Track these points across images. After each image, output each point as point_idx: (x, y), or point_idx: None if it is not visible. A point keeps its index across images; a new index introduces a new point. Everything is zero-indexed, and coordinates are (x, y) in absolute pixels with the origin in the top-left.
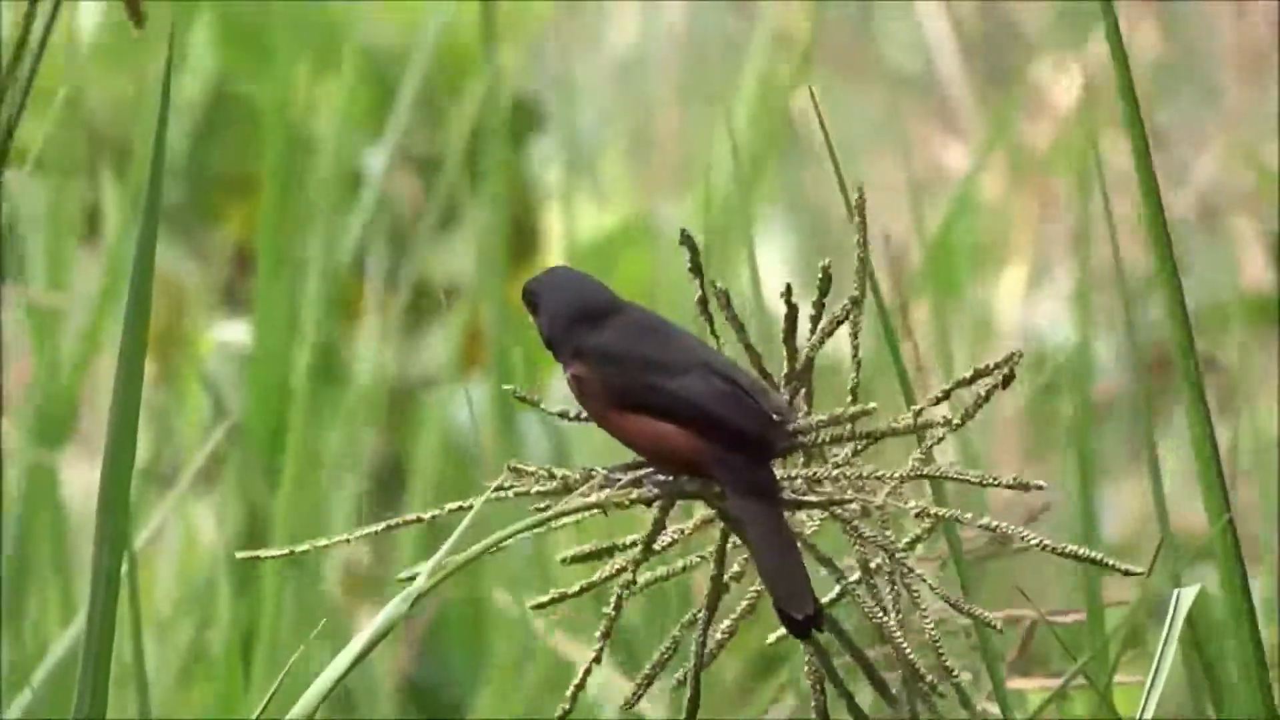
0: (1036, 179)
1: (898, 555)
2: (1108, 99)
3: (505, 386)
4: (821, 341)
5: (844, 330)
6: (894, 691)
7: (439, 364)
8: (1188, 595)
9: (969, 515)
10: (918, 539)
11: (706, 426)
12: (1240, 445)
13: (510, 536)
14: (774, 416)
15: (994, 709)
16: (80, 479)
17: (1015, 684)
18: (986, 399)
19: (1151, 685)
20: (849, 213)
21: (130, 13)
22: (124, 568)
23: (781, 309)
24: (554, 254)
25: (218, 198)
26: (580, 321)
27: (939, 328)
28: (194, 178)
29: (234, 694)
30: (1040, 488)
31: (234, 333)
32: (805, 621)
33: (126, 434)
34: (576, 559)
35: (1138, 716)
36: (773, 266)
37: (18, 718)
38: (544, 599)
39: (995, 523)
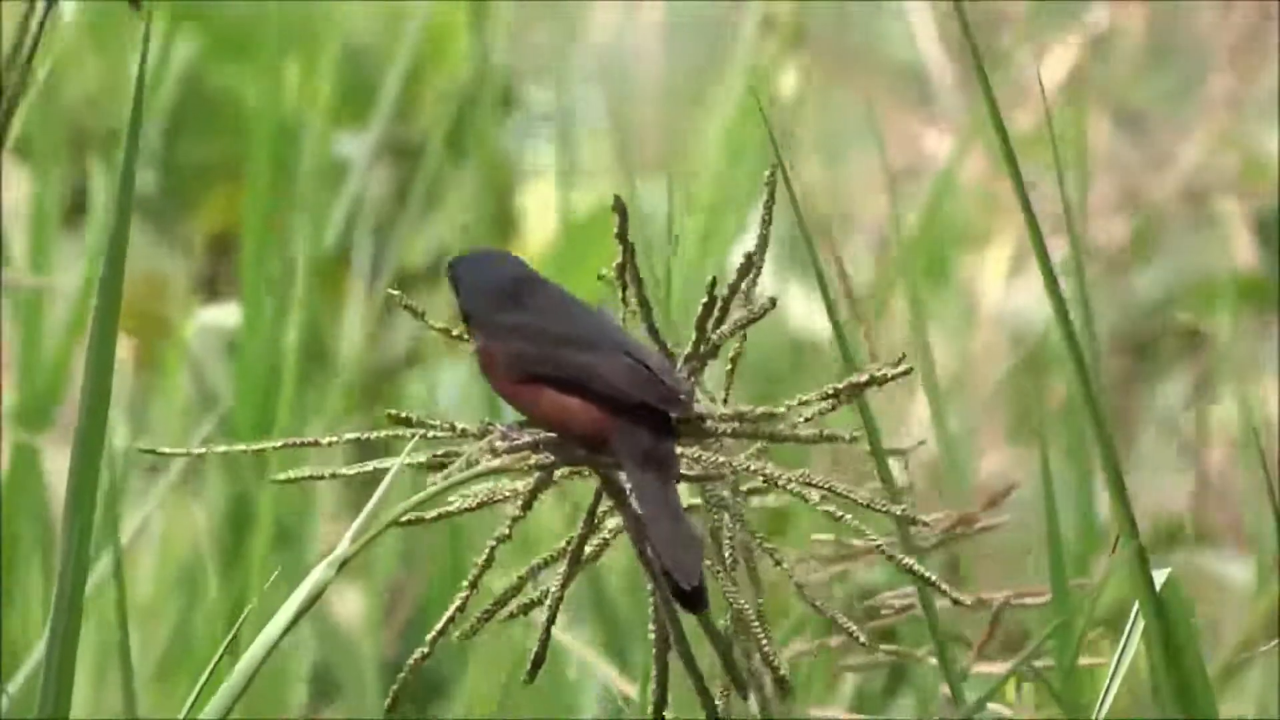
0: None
1: (746, 527)
2: (1091, 82)
3: (390, 292)
4: (733, 333)
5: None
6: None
7: (420, 345)
8: (1156, 579)
9: (794, 474)
10: (753, 490)
11: (612, 400)
12: (1229, 424)
13: (425, 498)
14: (679, 395)
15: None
16: (65, 464)
17: (982, 668)
18: (864, 387)
19: (1116, 668)
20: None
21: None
22: (110, 562)
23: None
24: (534, 235)
25: (195, 187)
26: (495, 298)
27: (916, 313)
28: (171, 167)
29: (219, 679)
30: (855, 439)
31: (217, 316)
32: (693, 593)
33: (97, 419)
34: (459, 511)
35: (1099, 699)
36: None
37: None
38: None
39: (788, 477)
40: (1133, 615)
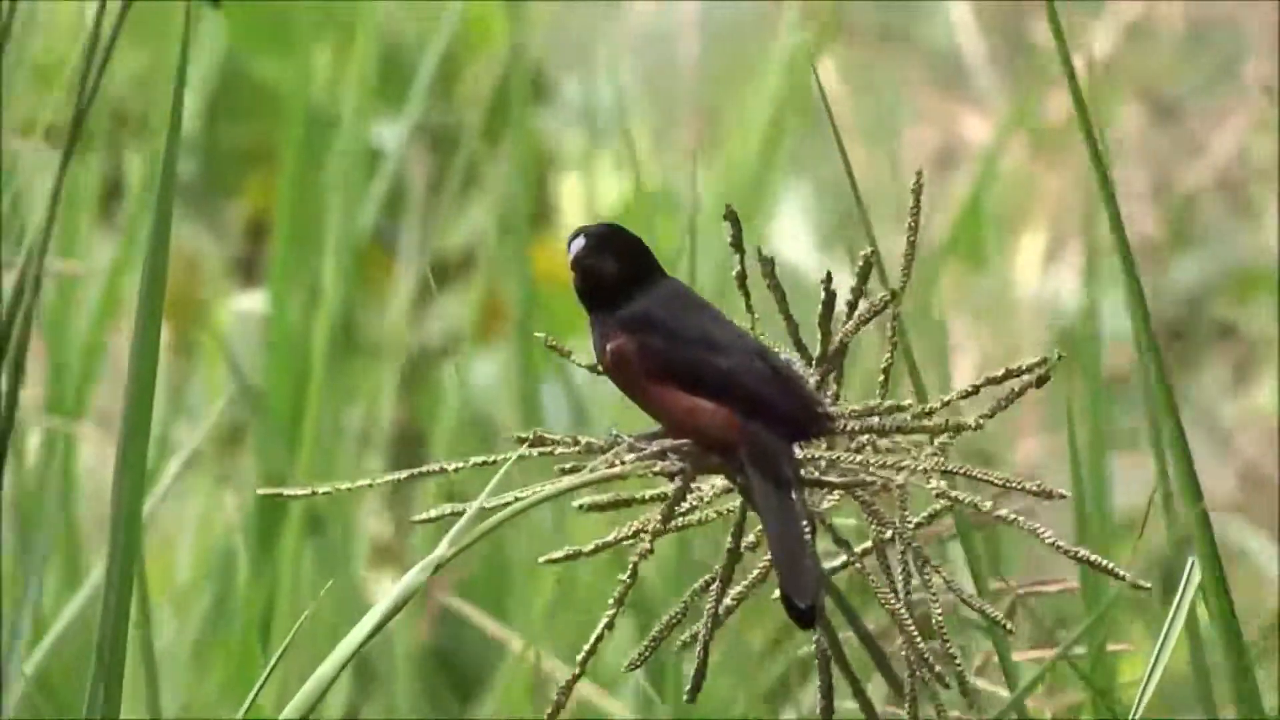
0: (1055, 149)
1: (909, 536)
2: (1126, 69)
3: (538, 334)
4: (858, 328)
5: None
6: (900, 677)
7: (457, 331)
8: (1195, 570)
9: (988, 504)
10: (932, 517)
11: (748, 406)
12: (1266, 412)
13: (534, 503)
14: (815, 405)
15: (984, 683)
16: (96, 450)
17: (1015, 656)
18: (1018, 396)
19: (1157, 658)
20: (854, 191)
21: None
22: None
23: (802, 283)
24: (572, 222)
25: (231, 172)
26: (627, 285)
27: (962, 302)
28: (208, 152)
29: (251, 665)
30: (1063, 496)
31: (252, 303)
32: (806, 611)
33: (143, 405)
34: (595, 507)
35: (1140, 688)
36: (796, 237)
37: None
38: (557, 555)
39: (1011, 514)
40: (1175, 604)
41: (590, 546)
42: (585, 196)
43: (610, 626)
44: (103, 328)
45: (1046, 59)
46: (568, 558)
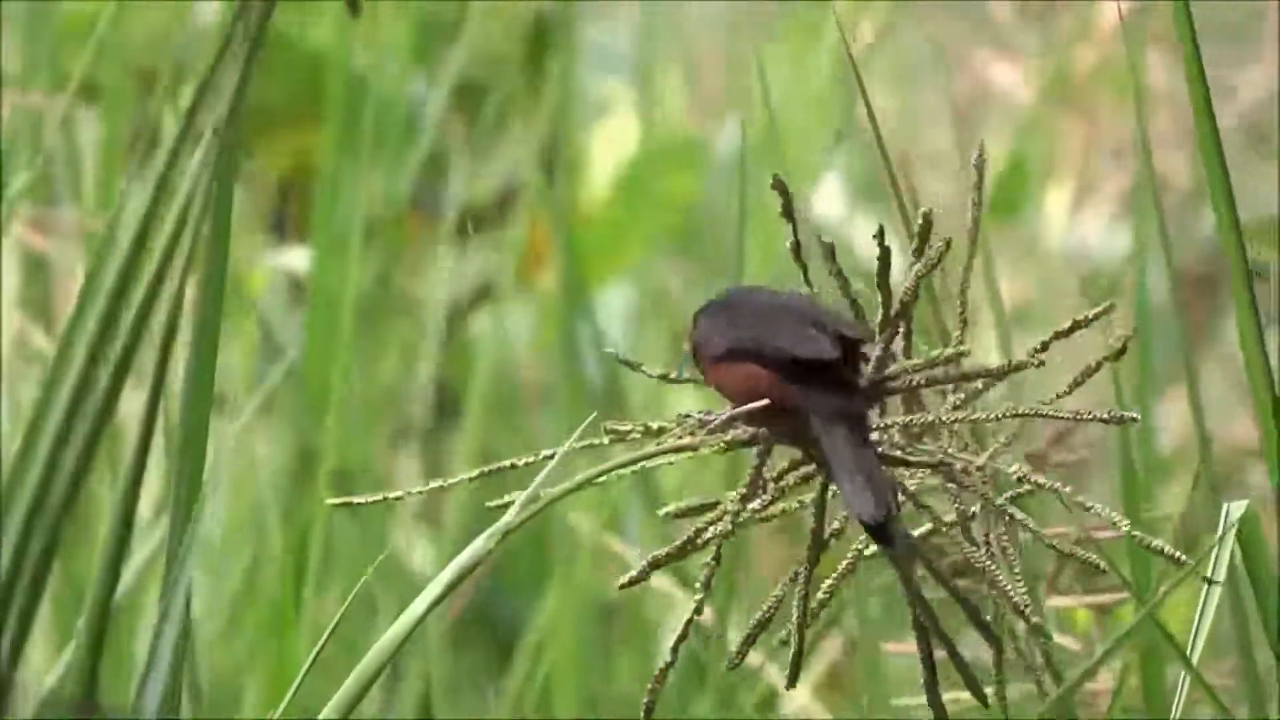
0: (1082, 97)
1: (999, 511)
2: (1155, 15)
3: (606, 351)
4: (917, 288)
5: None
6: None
7: (489, 283)
8: (1236, 509)
9: (1070, 489)
10: (1016, 496)
11: (782, 362)
12: None
13: (601, 474)
14: (839, 334)
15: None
16: (131, 407)
17: (1055, 601)
18: (1097, 370)
19: (1205, 602)
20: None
21: (349, 5)
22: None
23: (838, 237)
24: (600, 171)
25: (261, 129)
26: (716, 311)
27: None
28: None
29: (285, 625)
30: (1135, 419)
31: (292, 259)
32: (883, 527)
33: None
34: (679, 514)
35: (1192, 634)
36: (830, 193)
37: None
38: (632, 575)
39: (1093, 504)
40: (1216, 547)
41: (678, 545)
42: (614, 146)
43: (699, 611)
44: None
45: (1077, 8)
46: (638, 580)
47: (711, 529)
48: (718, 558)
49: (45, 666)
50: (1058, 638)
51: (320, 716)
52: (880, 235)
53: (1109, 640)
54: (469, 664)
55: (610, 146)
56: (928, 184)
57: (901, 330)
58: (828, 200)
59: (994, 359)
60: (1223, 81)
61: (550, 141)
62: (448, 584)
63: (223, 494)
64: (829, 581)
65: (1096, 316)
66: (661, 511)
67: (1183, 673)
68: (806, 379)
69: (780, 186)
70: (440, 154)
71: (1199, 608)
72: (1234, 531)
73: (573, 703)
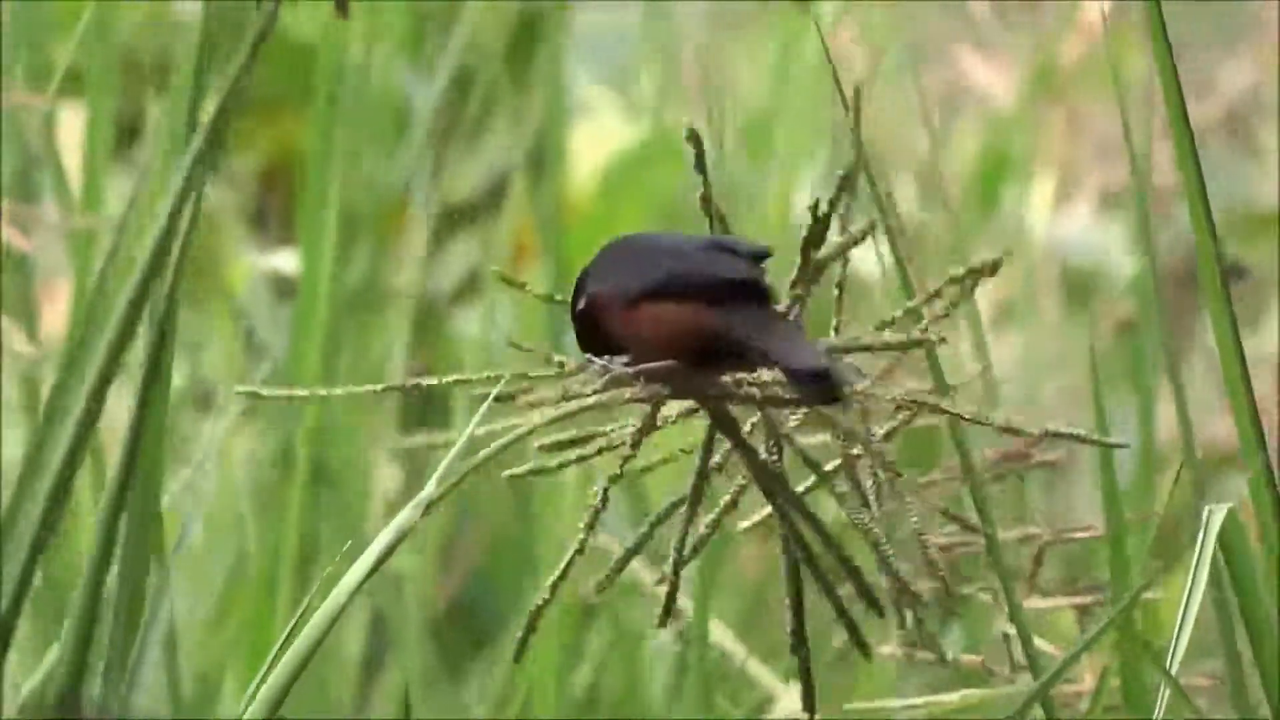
0: (1065, 93)
1: (875, 447)
2: (1139, 10)
3: (491, 269)
4: (837, 256)
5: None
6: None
7: (471, 277)
8: (1218, 514)
9: (940, 401)
10: (896, 427)
11: (705, 289)
12: (1272, 351)
13: (514, 439)
14: (749, 249)
15: (1012, 630)
16: (118, 407)
17: (1034, 603)
18: (971, 290)
19: (1186, 606)
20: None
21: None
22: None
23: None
24: (583, 164)
25: (243, 122)
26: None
27: (961, 243)
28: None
29: (264, 623)
30: (1127, 445)
31: (274, 255)
32: (822, 377)
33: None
34: (554, 446)
35: (1173, 639)
36: (806, 185)
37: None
38: (520, 469)
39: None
40: (1197, 550)
41: (554, 463)
42: (597, 139)
43: (581, 551)
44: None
45: (1060, 3)
46: (531, 473)
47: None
48: (604, 501)
49: (27, 669)
50: (1039, 640)
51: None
52: (815, 206)
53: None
54: (450, 661)
55: (596, 141)
56: (905, 181)
57: (806, 295)
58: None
59: (968, 353)
60: (1203, 76)
61: (537, 136)
62: (376, 558)
63: (206, 492)
64: (710, 516)
65: (986, 269)
66: (537, 444)
67: (1163, 677)
68: (731, 304)
69: (694, 137)
70: (429, 147)
71: (1180, 610)
72: (1216, 533)
73: (553, 702)
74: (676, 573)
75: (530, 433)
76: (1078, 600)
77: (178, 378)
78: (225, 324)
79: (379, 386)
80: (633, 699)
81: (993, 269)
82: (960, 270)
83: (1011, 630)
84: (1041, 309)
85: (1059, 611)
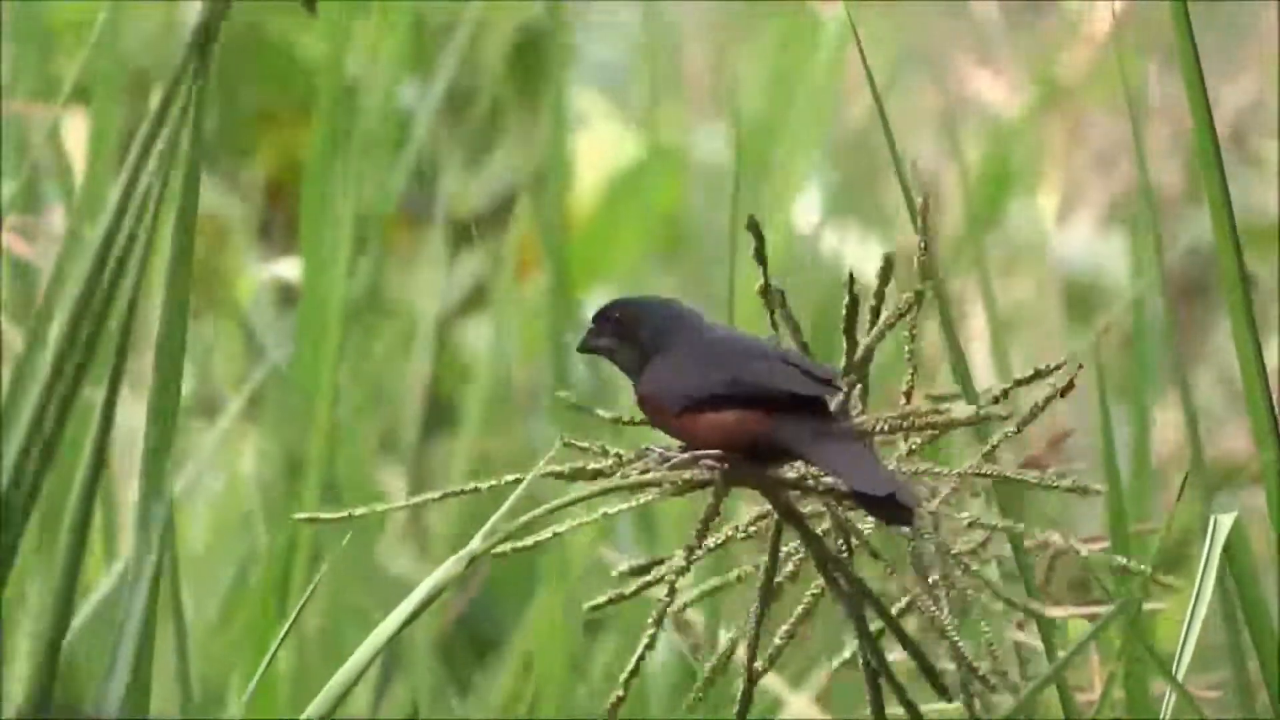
0: (1067, 105)
1: (951, 558)
2: (1143, 23)
3: (559, 394)
4: (881, 336)
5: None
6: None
7: (480, 290)
8: (1224, 522)
9: (1020, 525)
10: (972, 552)
11: (764, 401)
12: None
13: (561, 506)
14: (826, 378)
15: (1026, 638)
16: (122, 414)
17: (1048, 612)
18: (1043, 408)
19: (1192, 615)
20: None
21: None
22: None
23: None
24: (585, 180)
25: (249, 133)
26: (650, 339)
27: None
28: (225, 112)
29: (270, 629)
30: (1099, 492)
31: (277, 270)
32: (891, 501)
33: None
34: (631, 572)
35: (1179, 647)
36: (810, 200)
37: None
38: (600, 600)
39: (1051, 537)
40: (1203, 558)
41: (633, 587)
42: (600, 154)
43: (651, 646)
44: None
45: (1065, 16)
46: (610, 602)
47: (663, 569)
48: (671, 593)
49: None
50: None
51: (302, 717)
52: (850, 282)
53: (1101, 650)
54: (456, 672)
55: (598, 155)
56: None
57: (861, 381)
58: (807, 211)
59: (984, 369)
60: (1210, 89)
61: (540, 149)
62: (419, 603)
63: (208, 500)
64: (786, 626)
65: (1059, 367)
66: (615, 572)
67: (1169, 683)
68: (786, 414)
69: (754, 228)
70: (431, 159)
71: (1186, 620)
72: (1222, 543)
73: (557, 714)
74: (750, 672)
75: (581, 500)
76: (1089, 610)
77: (185, 385)
78: (231, 332)
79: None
80: (639, 710)
81: (1072, 376)
82: (1039, 368)
83: (1022, 637)
84: (1045, 320)
85: (1070, 620)
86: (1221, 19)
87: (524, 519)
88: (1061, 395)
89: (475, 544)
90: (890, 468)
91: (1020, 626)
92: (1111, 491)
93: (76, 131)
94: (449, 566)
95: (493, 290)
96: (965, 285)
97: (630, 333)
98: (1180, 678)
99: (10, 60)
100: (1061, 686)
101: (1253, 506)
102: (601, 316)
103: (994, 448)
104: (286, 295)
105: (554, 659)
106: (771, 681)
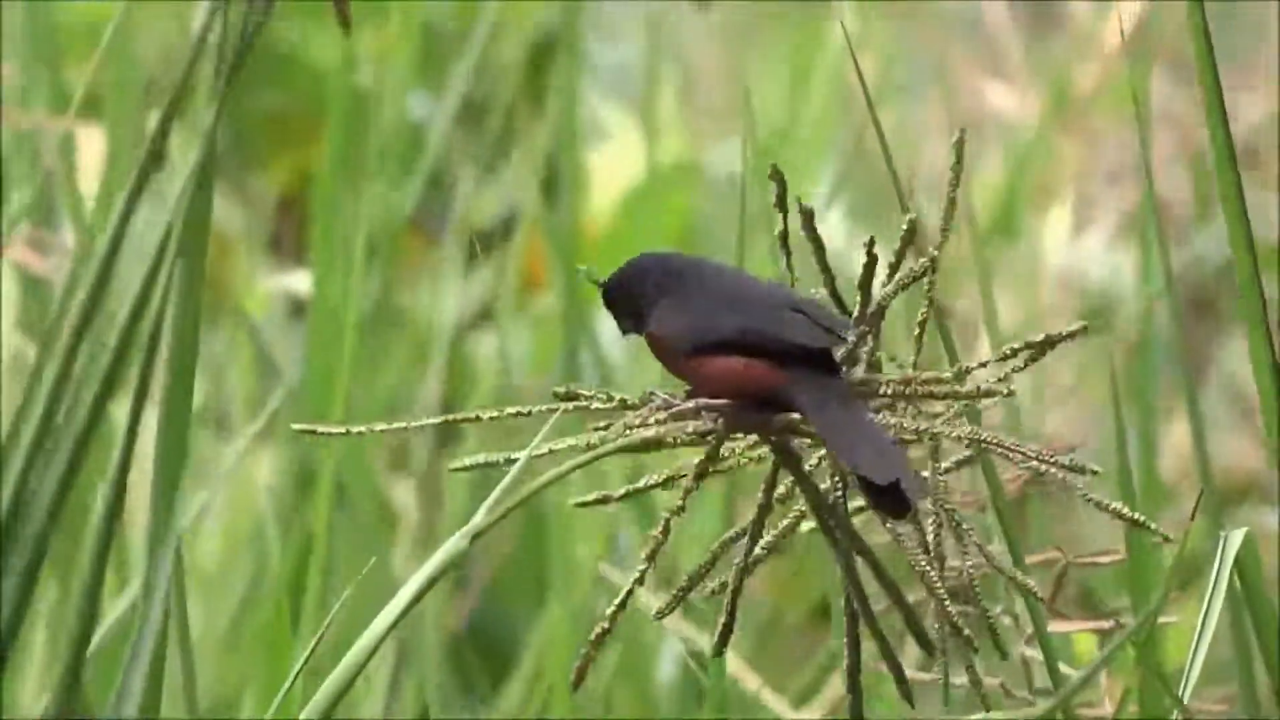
0: (1079, 118)
1: (940, 493)
2: (1156, 36)
3: (577, 267)
4: (896, 292)
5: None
6: (932, 640)
7: (490, 304)
8: (1234, 539)
9: (1014, 442)
10: (959, 464)
11: (768, 350)
12: None
13: (566, 472)
14: (837, 332)
15: (1035, 653)
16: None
17: (1055, 627)
18: (1042, 354)
19: (1201, 632)
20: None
21: (339, 17)
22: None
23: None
24: (600, 194)
25: (260, 145)
26: (655, 293)
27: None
28: (236, 125)
29: (282, 644)
30: (1095, 473)
31: (287, 282)
32: (893, 490)
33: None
34: (585, 504)
35: (1187, 665)
36: (826, 212)
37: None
38: (588, 498)
39: (1044, 457)
40: (1214, 574)
41: (620, 491)
42: (615, 167)
43: (640, 582)
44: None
45: (1077, 29)
46: (597, 501)
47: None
48: (666, 531)
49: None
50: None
51: (301, 716)
52: (870, 244)
53: (1112, 664)
54: (465, 681)
55: (611, 167)
56: (923, 204)
57: (872, 332)
58: (828, 226)
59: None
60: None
61: (552, 161)
62: (423, 584)
63: (221, 513)
64: (765, 540)
65: (1068, 336)
66: (572, 502)
67: (1175, 705)
68: (796, 366)
69: (777, 175)
70: (442, 171)
71: (1194, 636)
72: (1233, 559)
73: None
74: (734, 596)
75: (588, 463)
76: (1097, 624)
77: (195, 398)
78: (242, 345)
79: (435, 421)
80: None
81: (1076, 335)
82: (1039, 337)
83: (1031, 653)
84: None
85: (1078, 635)
86: (1231, 35)
87: (526, 493)
88: (1059, 343)
89: (480, 517)
90: (888, 434)
91: (1029, 643)
92: (1126, 503)
93: (89, 144)
94: (453, 543)
95: (500, 302)
96: (975, 296)
97: (627, 302)
98: (1189, 693)
99: (21, 69)
100: (1066, 708)
101: (1259, 523)
102: (606, 304)
103: (975, 399)
104: (297, 308)
105: (564, 666)
106: (773, 701)
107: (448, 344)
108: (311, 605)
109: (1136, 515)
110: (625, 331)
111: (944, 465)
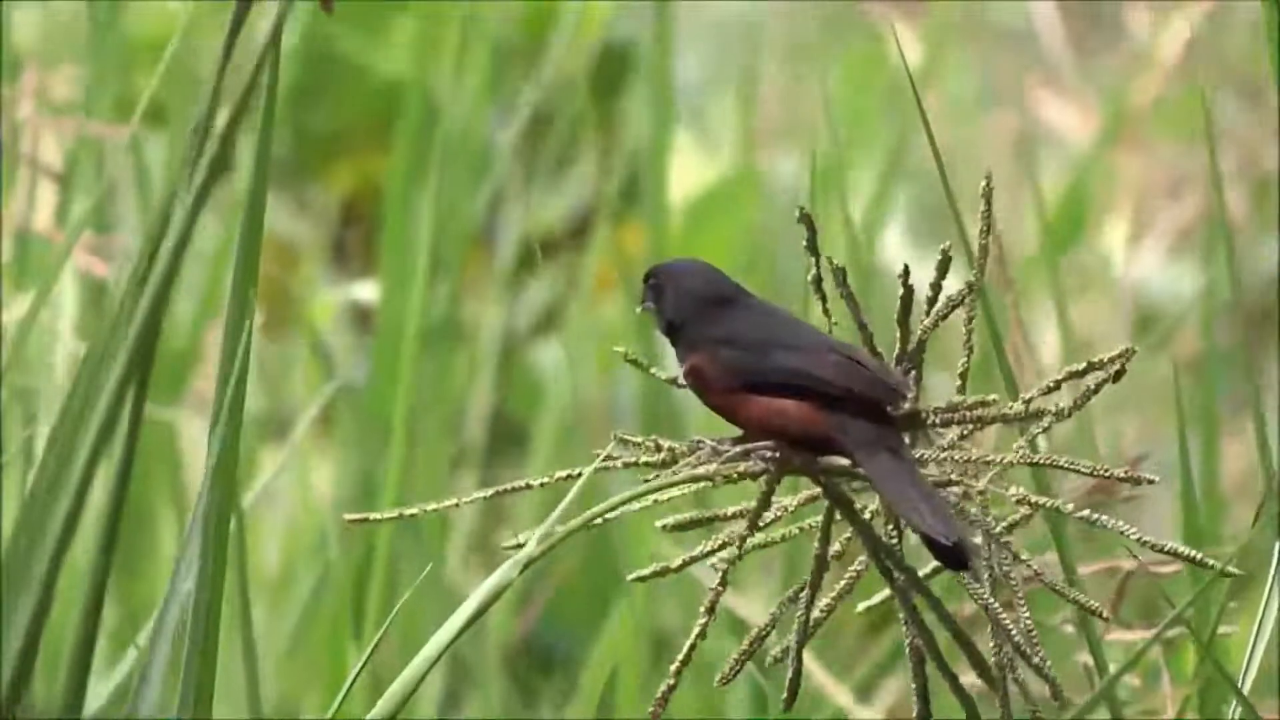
0: (1137, 133)
1: (998, 538)
2: (1215, 52)
3: (616, 350)
4: (936, 324)
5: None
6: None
7: (555, 312)
8: None
9: (1069, 505)
10: (1015, 524)
11: (825, 395)
12: None
13: (617, 506)
14: (893, 384)
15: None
16: (198, 435)
17: (1116, 635)
18: (1095, 392)
19: (1256, 638)
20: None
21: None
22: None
23: (891, 274)
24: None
25: (322, 154)
26: (702, 310)
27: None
28: (299, 134)
29: (344, 658)
30: (1152, 481)
31: (355, 287)
32: (956, 549)
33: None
34: (677, 527)
35: (1242, 669)
36: (894, 237)
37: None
38: (644, 572)
39: (1095, 515)
40: (1269, 584)
41: (678, 562)
42: (676, 179)
43: (703, 636)
44: (204, 312)
45: (1135, 43)
46: (655, 574)
47: (718, 555)
48: (723, 584)
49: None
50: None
51: None
52: (905, 275)
53: (1173, 674)
54: (525, 696)
55: (677, 177)
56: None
57: (914, 369)
58: (892, 244)
59: (1062, 397)
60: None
61: (619, 170)
62: (474, 610)
63: (283, 521)
64: (826, 600)
65: (1112, 360)
66: (660, 524)
67: (1239, 701)
68: (846, 411)
69: (806, 220)
70: (509, 183)
71: (1250, 642)
72: None
73: None
74: (799, 655)
75: (632, 499)
76: (1156, 632)
77: (259, 407)
78: (306, 354)
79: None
80: None
81: (1123, 361)
82: (1092, 360)
83: (1090, 661)
84: (1114, 346)
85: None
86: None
87: (578, 521)
88: (1114, 380)
89: (530, 547)
90: (942, 496)
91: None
92: (1187, 514)
93: (153, 152)
94: (505, 570)
95: (566, 311)
96: (1040, 309)
97: (660, 295)
98: (1247, 696)
99: (86, 79)
100: (1112, 699)
101: None
102: (645, 280)
103: (1036, 436)
104: (360, 317)
105: (627, 680)
106: (836, 693)
107: (505, 356)
108: (373, 611)
109: (1190, 551)
110: (662, 331)
111: (999, 527)
